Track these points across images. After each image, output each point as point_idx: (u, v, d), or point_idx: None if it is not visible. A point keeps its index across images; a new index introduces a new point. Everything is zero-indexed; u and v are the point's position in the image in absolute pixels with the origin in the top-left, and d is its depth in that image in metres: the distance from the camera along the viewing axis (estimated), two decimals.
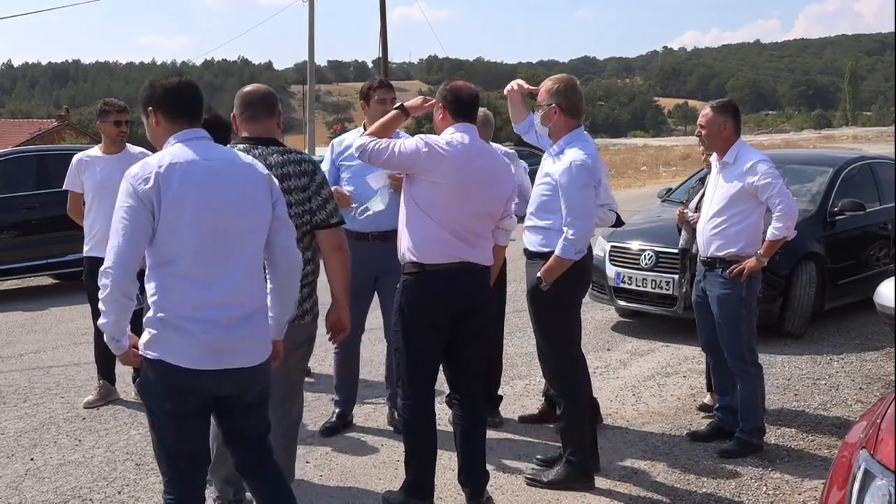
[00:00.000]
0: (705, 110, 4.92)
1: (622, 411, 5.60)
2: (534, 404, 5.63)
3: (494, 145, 5.11)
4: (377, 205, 4.74)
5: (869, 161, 8.93)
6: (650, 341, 7.42)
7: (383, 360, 5.48)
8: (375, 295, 5.10)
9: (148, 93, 3.04)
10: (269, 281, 3.14)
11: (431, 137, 3.90)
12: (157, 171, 2.84)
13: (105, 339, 2.92)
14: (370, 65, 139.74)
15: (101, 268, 2.84)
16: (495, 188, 3.93)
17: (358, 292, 4.41)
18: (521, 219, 4.55)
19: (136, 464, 4.75)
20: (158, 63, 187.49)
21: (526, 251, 4.42)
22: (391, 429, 5.16)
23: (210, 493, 4.04)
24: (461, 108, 3.94)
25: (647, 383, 6.24)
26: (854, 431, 2.64)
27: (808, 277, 7.45)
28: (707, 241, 4.88)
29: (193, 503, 3.06)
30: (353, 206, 4.90)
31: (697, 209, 5.52)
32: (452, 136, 3.88)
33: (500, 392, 5.54)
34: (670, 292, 7.23)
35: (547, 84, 4.36)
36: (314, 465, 4.72)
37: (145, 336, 2.92)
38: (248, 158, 3.13)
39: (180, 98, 3.02)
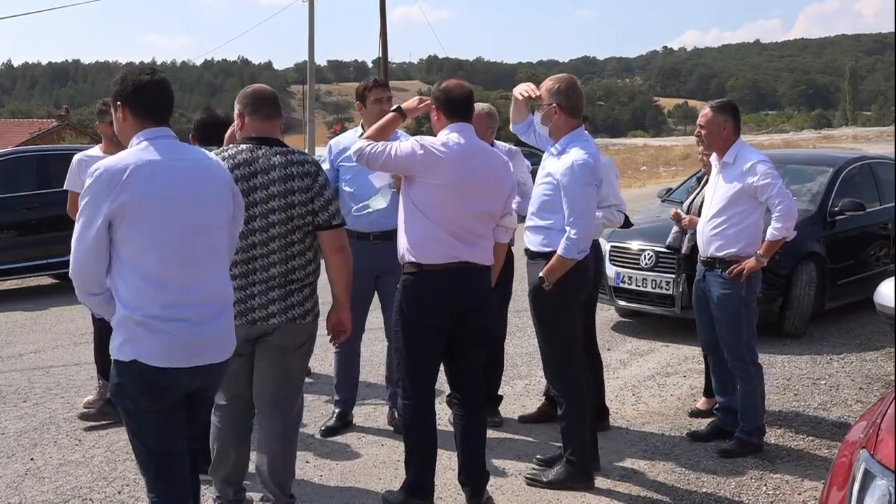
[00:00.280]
0: (705, 110, 4.92)
1: (622, 411, 5.60)
2: (534, 404, 5.63)
3: (498, 143, 5.12)
4: (378, 203, 4.75)
5: (869, 161, 8.93)
6: (650, 341, 7.42)
7: (383, 360, 5.48)
8: (376, 295, 5.11)
9: (119, 87, 3.03)
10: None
11: (427, 139, 3.90)
12: (122, 172, 2.84)
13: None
14: (370, 65, 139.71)
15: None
16: (494, 187, 3.92)
17: (358, 292, 4.41)
18: (524, 218, 4.54)
19: (136, 463, 4.75)
20: (158, 63, 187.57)
21: (527, 251, 4.42)
22: (391, 429, 5.15)
23: (210, 493, 4.05)
24: (454, 108, 3.93)
25: (647, 383, 6.25)
26: (854, 431, 2.64)
27: (808, 277, 7.45)
28: (707, 242, 4.88)
29: (177, 502, 3.08)
30: (352, 206, 4.91)
31: (690, 210, 5.54)
32: (448, 136, 3.88)
33: (500, 392, 5.54)
34: (670, 292, 7.23)
35: (548, 83, 4.36)
36: (314, 465, 4.72)
37: (117, 339, 2.93)
38: (210, 157, 3.16)
39: (149, 96, 3.01)
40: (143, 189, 2.85)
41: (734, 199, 4.76)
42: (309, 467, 4.66)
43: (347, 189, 4.98)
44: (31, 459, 4.85)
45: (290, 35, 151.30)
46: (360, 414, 5.46)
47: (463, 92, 3.97)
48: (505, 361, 5.69)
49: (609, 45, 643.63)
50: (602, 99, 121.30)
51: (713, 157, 4.98)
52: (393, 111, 4.12)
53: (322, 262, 3.80)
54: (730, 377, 4.96)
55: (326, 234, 3.69)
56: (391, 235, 4.52)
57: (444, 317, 3.89)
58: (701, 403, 5.56)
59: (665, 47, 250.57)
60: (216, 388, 3.20)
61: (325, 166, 5.02)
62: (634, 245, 7.61)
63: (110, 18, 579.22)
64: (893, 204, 8.33)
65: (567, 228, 4.16)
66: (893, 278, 3.85)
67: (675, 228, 5.73)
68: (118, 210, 2.83)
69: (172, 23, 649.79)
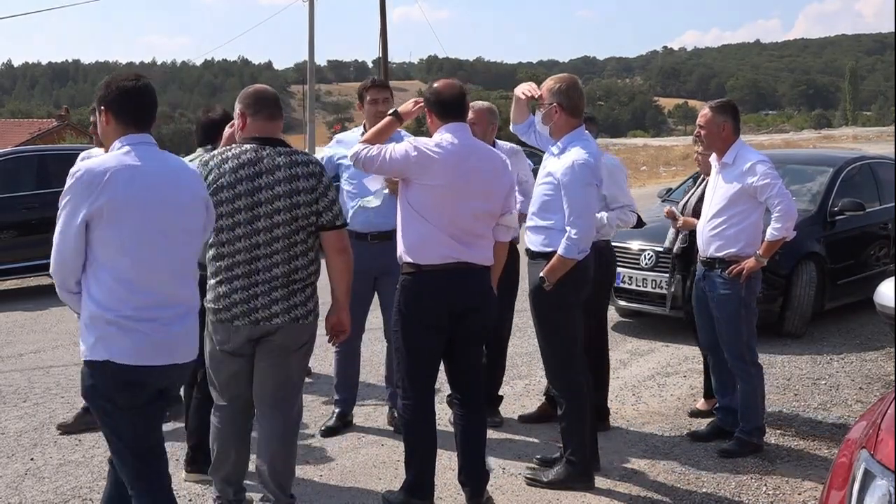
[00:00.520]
0: (704, 110, 4.92)
1: (622, 411, 5.60)
2: (534, 404, 5.63)
3: (500, 143, 5.13)
4: (372, 202, 4.79)
5: (869, 161, 8.93)
6: (650, 341, 7.42)
7: (383, 360, 5.48)
8: (376, 295, 5.11)
9: (103, 92, 3.10)
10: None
11: (421, 140, 3.90)
12: (102, 175, 2.92)
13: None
14: (370, 65, 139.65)
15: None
16: (491, 185, 3.92)
17: (357, 293, 4.41)
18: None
19: None
20: (158, 63, 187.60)
21: (528, 251, 4.42)
22: (391, 429, 5.16)
23: (210, 493, 4.05)
24: (446, 109, 3.93)
25: (647, 383, 6.25)
26: (854, 431, 2.64)
27: (808, 277, 7.45)
28: (707, 242, 4.88)
29: (160, 497, 3.12)
30: (350, 204, 4.92)
31: (685, 210, 5.53)
32: (442, 137, 3.88)
33: (500, 392, 5.54)
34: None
35: (549, 83, 4.36)
36: (314, 465, 4.72)
37: (88, 339, 2.98)
38: (188, 167, 3.26)
39: (132, 102, 3.08)
40: (122, 193, 2.93)
41: (734, 200, 4.76)
42: (309, 467, 4.66)
43: (347, 187, 5.00)
44: (31, 459, 4.85)
45: (290, 35, 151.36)
46: (360, 414, 5.46)
47: (454, 92, 3.97)
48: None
49: (609, 45, 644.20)
50: (602, 99, 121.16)
51: (713, 158, 4.98)
52: (390, 115, 4.13)
53: (322, 262, 3.80)
54: (730, 377, 4.96)
55: (329, 234, 3.69)
56: (390, 236, 4.53)
57: (443, 317, 3.89)
58: (701, 404, 5.56)
59: (665, 47, 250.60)
60: (179, 388, 3.36)
61: (329, 153, 5.04)
62: (634, 245, 7.61)
63: (110, 18, 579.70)
64: (893, 204, 8.34)
65: (567, 228, 4.15)
66: (893, 278, 3.84)
67: (671, 230, 5.73)
68: (97, 211, 2.90)
69: (172, 23, 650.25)
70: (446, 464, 4.44)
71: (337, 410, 5.26)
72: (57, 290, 3.05)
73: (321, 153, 5.23)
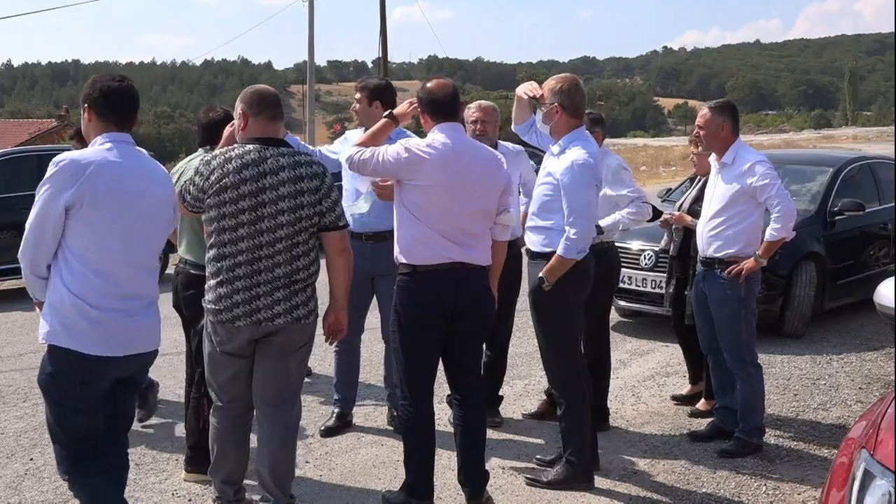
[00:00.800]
0: (703, 111, 4.93)
1: (622, 411, 5.60)
2: (534, 404, 5.63)
3: (503, 144, 5.13)
4: (362, 207, 4.81)
5: (869, 161, 8.93)
6: (650, 341, 7.42)
7: (383, 360, 5.48)
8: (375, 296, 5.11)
9: (87, 90, 3.27)
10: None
11: (412, 141, 3.91)
12: (86, 167, 3.08)
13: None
14: (370, 65, 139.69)
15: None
16: (485, 184, 3.91)
17: (356, 292, 4.41)
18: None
19: (135, 464, 4.75)
20: (158, 63, 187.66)
21: (528, 251, 4.42)
22: (391, 429, 5.16)
23: (210, 494, 4.05)
24: (438, 109, 3.93)
25: (647, 383, 6.24)
26: (854, 431, 2.64)
27: (808, 277, 7.45)
28: (706, 242, 4.88)
29: (96, 479, 3.24)
30: (345, 203, 4.93)
31: (680, 210, 5.54)
32: (434, 137, 3.88)
33: (500, 392, 5.54)
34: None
35: (550, 83, 4.36)
36: (314, 465, 4.72)
37: (53, 323, 3.10)
38: (160, 168, 3.41)
39: (114, 102, 3.25)
40: (102, 186, 3.09)
41: (733, 200, 4.76)
42: (309, 467, 4.66)
43: (346, 187, 5.00)
44: (31, 459, 4.85)
45: (290, 35, 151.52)
46: (360, 414, 5.46)
47: (446, 92, 3.97)
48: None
49: (609, 45, 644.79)
50: (602, 99, 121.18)
51: (712, 158, 4.98)
52: (385, 117, 4.13)
53: (322, 262, 3.80)
54: (730, 377, 4.96)
55: (332, 234, 3.69)
56: (385, 236, 4.54)
57: (440, 317, 3.90)
58: (701, 404, 5.56)
59: (665, 47, 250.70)
60: (146, 374, 3.52)
61: (337, 148, 5.04)
62: (634, 245, 7.61)
63: (110, 18, 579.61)
64: (893, 204, 8.33)
65: (566, 228, 4.15)
66: (893, 278, 3.84)
67: (665, 234, 5.76)
68: (77, 200, 3.05)
69: (173, 23, 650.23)
70: (446, 464, 4.44)
71: (336, 410, 5.26)
72: (25, 274, 3.20)
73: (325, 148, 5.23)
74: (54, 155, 3.27)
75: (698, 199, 5.40)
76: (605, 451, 4.72)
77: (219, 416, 3.85)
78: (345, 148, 5.03)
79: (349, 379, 5.24)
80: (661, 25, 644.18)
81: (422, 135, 4.11)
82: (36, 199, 3.11)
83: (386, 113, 4.18)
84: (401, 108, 4.17)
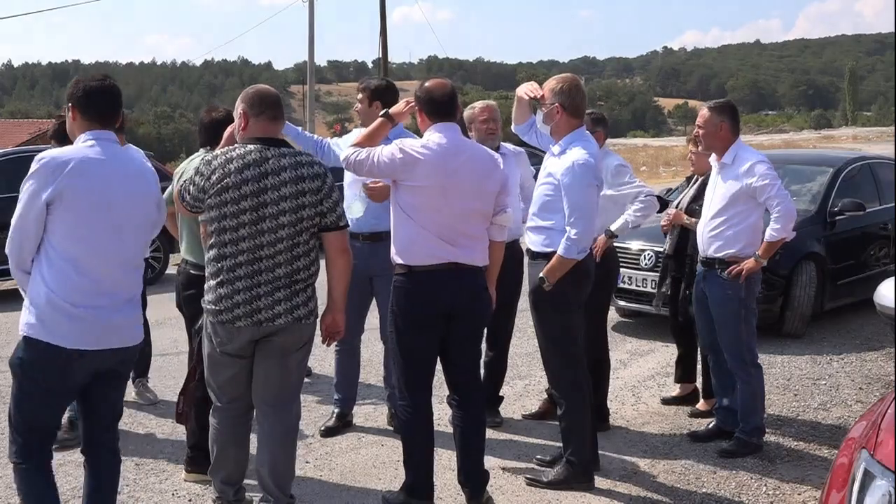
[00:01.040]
0: (703, 111, 4.93)
1: (622, 411, 5.60)
2: (534, 404, 5.64)
3: (504, 145, 5.13)
4: (356, 211, 4.83)
5: (869, 161, 8.93)
6: (650, 341, 7.42)
7: (383, 361, 5.48)
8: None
9: (71, 90, 3.36)
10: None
11: (407, 142, 3.90)
12: (66, 164, 3.14)
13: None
14: (370, 65, 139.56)
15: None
16: (481, 185, 3.90)
17: (355, 293, 4.41)
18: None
19: (135, 464, 4.75)
20: (158, 63, 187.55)
21: (528, 251, 4.42)
22: (391, 429, 5.15)
23: (210, 494, 4.05)
24: (436, 109, 3.93)
25: (647, 383, 6.24)
26: (854, 431, 2.64)
27: (808, 277, 7.45)
28: (706, 242, 4.88)
29: (38, 473, 3.31)
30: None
31: (678, 207, 5.54)
32: (429, 137, 3.88)
33: (500, 392, 5.54)
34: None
35: (551, 83, 4.36)
36: (314, 465, 4.72)
37: (29, 317, 3.18)
38: (144, 163, 3.46)
39: (96, 101, 3.32)
40: (82, 182, 3.14)
41: (733, 200, 4.76)
42: (309, 467, 4.66)
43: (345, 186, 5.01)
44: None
45: (290, 35, 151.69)
46: (360, 414, 5.46)
47: (444, 92, 3.96)
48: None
49: (609, 45, 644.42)
50: (602, 99, 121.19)
51: (712, 158, 4.98)
52: (381, 116, 4.12)
53: (322, 263, 3.80)
54: (730, 377, 4.96)
55: (332, 235, 3.69)
56: (382, 237, 4.54)
57: (436, 317, 3.90)
58: (701, 404, 5.56)
59: (665, 47, 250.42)
60: (129, 367, 3.54)
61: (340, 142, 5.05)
62: (634, 245, 7.61)
63: (110, 18, 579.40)
64: (893, 204, 8.33)
65: (567, 228, 4.15)
66: (893, 278, 3.84)
67: (668, 236, 5.76)
68: (57, 195, 3.11)
69: (173, 23, 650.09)
70: (446, 464, 4.44)
71: (336, 410, 5.26)
72: (11, 268, 3.26)
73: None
74: None
75: (696, 198, 5.41)
76: (605, 451, 4.73)
77: (219, 417, 3.84)
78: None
79: (349, 379, 5.24)
80: (661, 25, 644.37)
81: (422, 134, 4.11)
82: (20, 195, 3.17)
83: (382, 112, 4.17)
84: (397, 107, 4.16)
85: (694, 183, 5.60)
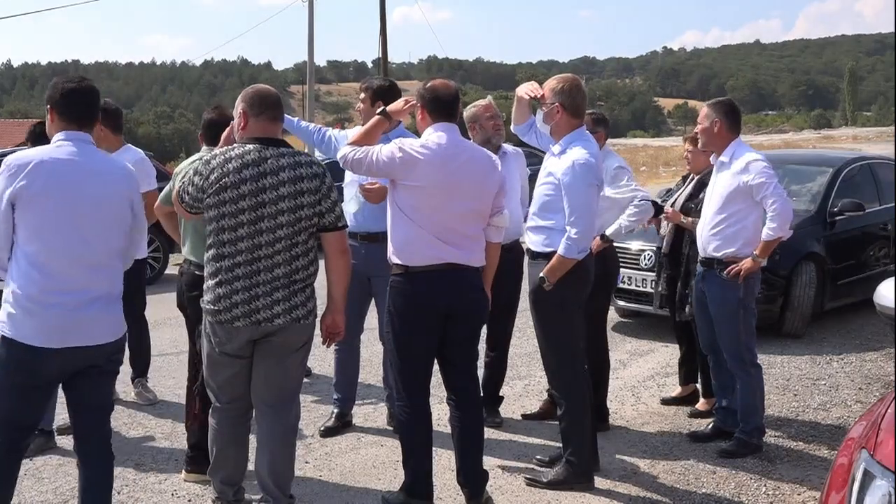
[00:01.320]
0: (703, 109, 4.94)
1: (622, 411, 5.60)
2: (534, 404, 5.63)
3: (504, 145, 5.13)
4: (351, 207, 4.85)
5: (869, 161, 8.92)
6: (650, 341, 7.42)
7: (382, 361, 5.48)
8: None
9: (50, 92, 3.39)
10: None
11: (406, 141, 3.89)
12: (25, 166, 3.18)
13: None
14: (370, 65, 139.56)
15: None
16: (479, 185, 3.90)
17: (354, 293, 4.40)
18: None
19: (135, 464, 4.75)
20: (158, 63, 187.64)
21: (528, 251, 4.42)
22: (391, 429, 5.15)
23: (209, 494, 4.05)
24: (440, 108, 3.93)
25: (647, 383, 6.24)
26: (854, 432, 2.64)
27: (808, 277, 7.44)
28: (706, 241, 4.88)
29: (14, 461, 3.37)
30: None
31: (674, 205, 5.54)
32: (429, 137, 3.88)
33: (500, 392, 5.53)
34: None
35: (551, 83, 4.36)
36: (314, 465, 4.71)
37: (2, 314, 3.24)
38: (119, 164, 3.51)
39: (73, 102, 3.35)
40: (42, 181, 3.17)
41: (731, 199, 4.75)
42: (308, 467, 4.66)
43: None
44: (31, 459, 4.84)
45: (290, 35, 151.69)
46: (360, 414, 5.46)
47: (449, 92, 3.97)
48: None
49: (609, 45, 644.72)
50: (602, 99, 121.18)
51: (713, 157, 4.98)
52: (378, 114, 4.11)
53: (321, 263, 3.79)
54: (730, 377, 4.96)
55: (331, 235, 3.69)
56: (379, 237, 4.53)
57: (433, 317, 3.89)
58: (701, 404, 5.56)
59: (665, 47, 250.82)
60: (113, 364, 3.47)
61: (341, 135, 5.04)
62: (634, 245, 7.61)
63: (110, 18, 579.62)
64: (893, 204, 8.33)
65: (567, 228, 4.15)
66: (893, 278, 3.84)
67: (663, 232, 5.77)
68: (16, 196, 3.16)
69: (173, 23, 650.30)
70: (446, 464, 4.44)
71: (336, 410, 5.26)
72: None
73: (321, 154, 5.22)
74: None
75: (691, 196, 5.41)
76: (605, 451, 4.72)
77: (218, 417, 3.84)
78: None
79: (349, 379, 5.24)
80: (661, 25, 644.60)
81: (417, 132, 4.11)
82: None
83: (379, 110, 4.15)
84: (395, 105, 4.15)
85: (689, 182, 5.60)
